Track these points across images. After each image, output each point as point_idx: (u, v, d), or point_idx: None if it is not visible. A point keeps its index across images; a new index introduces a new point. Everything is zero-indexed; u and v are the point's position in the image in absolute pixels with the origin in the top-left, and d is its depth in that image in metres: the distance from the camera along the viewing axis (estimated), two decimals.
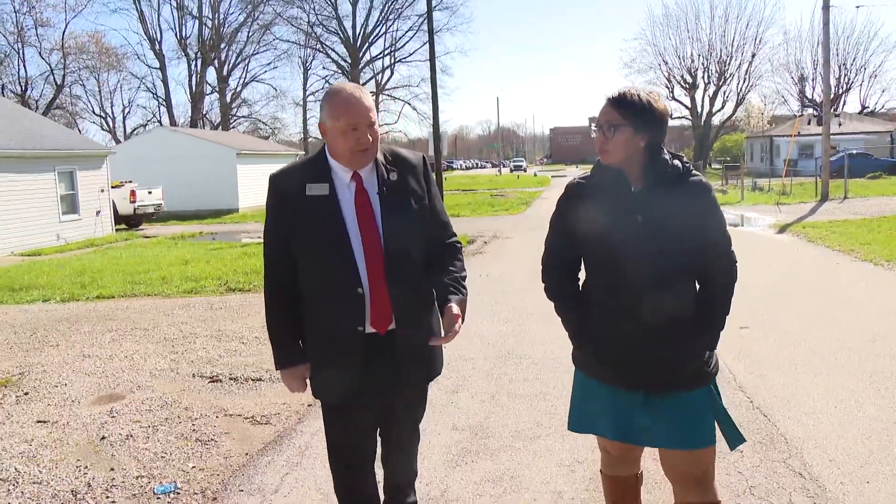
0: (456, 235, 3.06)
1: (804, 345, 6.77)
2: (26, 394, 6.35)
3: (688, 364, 2.72)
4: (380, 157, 2.84)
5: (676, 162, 2.73)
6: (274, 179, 2.86)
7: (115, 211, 25.60)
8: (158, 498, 4.24)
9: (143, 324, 9.20)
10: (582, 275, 2.91)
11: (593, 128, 2.74)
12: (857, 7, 70.28)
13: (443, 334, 2.81)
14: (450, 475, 4.33)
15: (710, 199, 2.73)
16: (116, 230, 25.29)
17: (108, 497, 4.26)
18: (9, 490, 4.38)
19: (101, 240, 22.50)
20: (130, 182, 27.51)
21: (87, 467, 4.68)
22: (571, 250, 2.87)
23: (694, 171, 2.74)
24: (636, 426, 2.76)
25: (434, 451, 4.65)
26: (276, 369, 2.95)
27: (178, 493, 4.27)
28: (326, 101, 2.75)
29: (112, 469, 4.65)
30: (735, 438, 2.80)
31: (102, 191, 24.42)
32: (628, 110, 2.64)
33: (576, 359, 2.97)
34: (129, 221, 26.93)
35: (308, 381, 2.95)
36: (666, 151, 2.74)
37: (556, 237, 2.92)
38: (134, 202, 26.57)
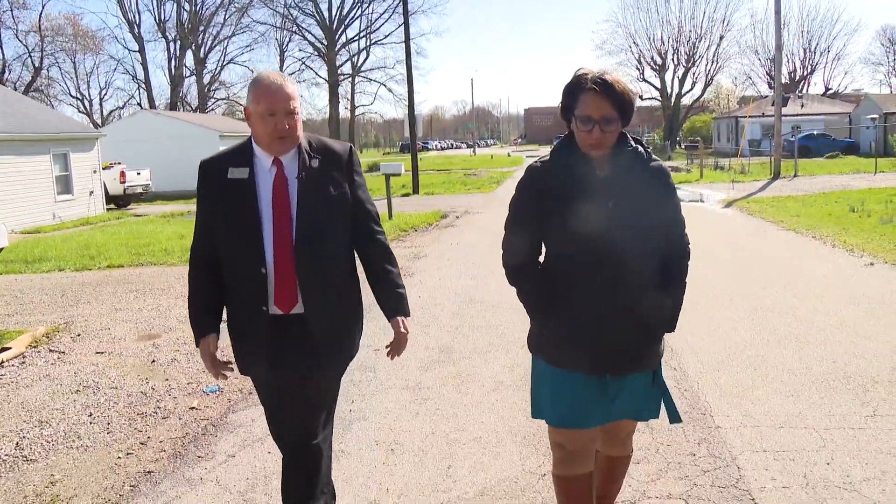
0: (382, 228, 3.10)
1: (710, 289, 8.37)
2: (79, 335, 7.81)
3: (652, 345, 2.78)
4: (304, 144, 2.90)
5: (640, 148, 2.75)
6: (203, 165, 2.96)
7: (106, 191, 26.81)
8: (208, 395, 5.73)
9: (158, 285, 10.63)
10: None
11: (578, 121, 2.65)
12: None
13: (390, 348, 3.07)
14: (423, 375, 5.89)
15: (670, 184, 2.77)
16: (107, 209, 26.51)
17: (170, 395, 5.76)
18: (94, 392, 5.87)
19: (94, 218, 23.74)
20: (120, 164, 28.67)
21: (147, 379, 6.17)
22: (535, 235, 2.80)
23: (654, 157, 2.79)
24: (598, 407, 2.79)
25: (410, 363, 6.19)
26: (196, 346, 3.06)
27: (222, 391, 5.78)
28: (251, 87, 2.82)
29: (167, 379, 6.14)
30: (674, 416, 2.93)
31: (94, 172, 25.65)
32: (618, 103, 2.60)
33: (535, 346, 2.92)
34: (118, 201, 28.09)
35: (231, 356, 3.09)
36: (629, 136, 2.76)
37: (519, 221, 2.84)
38: (124, 183, 27.76)
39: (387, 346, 3.08)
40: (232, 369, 3.03)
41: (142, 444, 4.82)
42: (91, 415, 5.36)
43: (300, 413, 3.01)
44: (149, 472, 4.39)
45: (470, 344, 6.74)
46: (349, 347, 3.05)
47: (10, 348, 7.08)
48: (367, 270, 3.08)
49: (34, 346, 7.38)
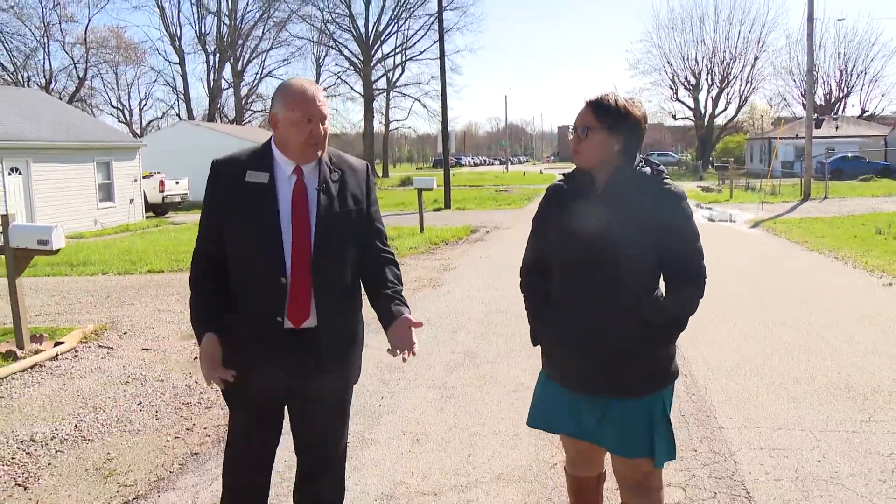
0: (390, 246, 3.04)
1: (727, 304, 8.67)
2: (125, 333, 8.30)
3: (628, 370, 2.70)
4: (324, 156, 2.83)
5: (646, 168, 2.72)
6: (216, 164, 2.84)
7: (145, 199, 27.64)
8: None
9: None
10: None
11: (570, 129, 2.77)
12: (839, 20, 72.23)
13: (397, 346, 2.78)
14: (448, 376, 6.27)
15: (678, 210, 2.68)
16: (146, 217, 27.31)
17: (214, 387, 6.17)
18: (142, 384, 6.32)
19: (134, 225, 24.54)
20: (159, 173, 29.52)
21: (190, 373, 6.61)
22: (542, 250, 2.90)
23: (666, 179, 2.71)
24: (586, 426, 2.81)
25: (437, 364, 6.58)
26: (199, 344, 2.81)
27: None
28: (281, 93, 2.73)
29: None
30: (667, 453, 2.81)
31: (135, 180, 26.47)
32: (603, 114, 2.66)
33: (543, 358, 3.00)
34: (156, 209, 28.94)
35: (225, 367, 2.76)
36: (640, 157, 2.74)
37: (533, 237, 2.96)
38: (163, 192, 28.63)
39: (393, 350, 2.79)
40: (232, 378, 2.71)
41: (188, 429, 5.25)
42: (140, 403, 5.81)
43: (310, 427, 2.96)
44: (195, 453, 4.81)
45: (494, 349, 7.11)
46: (351, 369, 2.95)
47: (63, 343, 7.58)
48: (376, 285, 2.92)
49: (85, 342, 7.87)
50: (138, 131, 61.70)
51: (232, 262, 2.79)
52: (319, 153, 2.77)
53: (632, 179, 2.68)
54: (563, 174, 2.90)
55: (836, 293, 9.46)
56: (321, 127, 2.72)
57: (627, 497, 2.91)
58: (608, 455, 2.96)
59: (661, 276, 2.77)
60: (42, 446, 4.95)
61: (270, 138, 2.84)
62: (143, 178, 27.59)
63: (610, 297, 2.66)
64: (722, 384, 5.78)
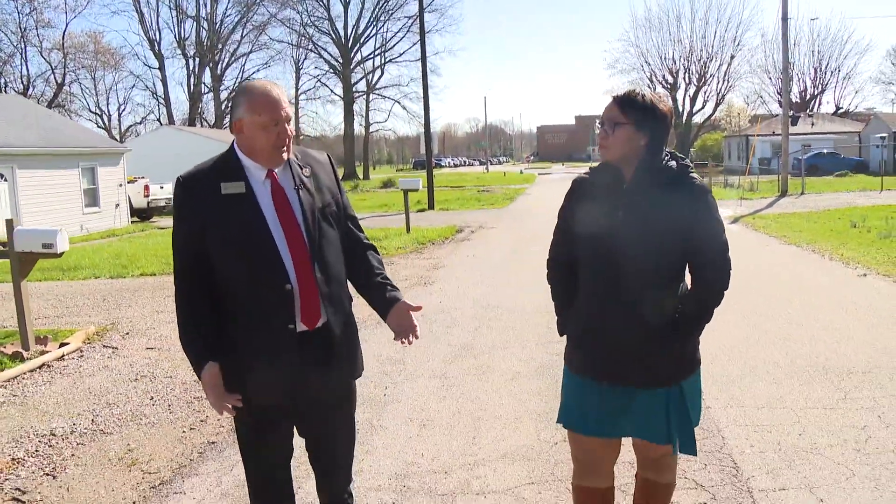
0: (364, 232, 3.04)
1: None
2: (128, 333, 8.52)
3: (653, 355, 2.75)
4: (290, 155, 2.78)
5: (672, 163, 2.74)
6: (183, 181, 2.73)
7: (130, 204, 27.73)
8: None
9: None
10: None
11: (597, 123, 2.80)
12: (813, 19, 73.54)
13: (402, 331, 2.88)
14: (447, 367, 6.55)
15: (703, 203, 2.72)
16: (131, 222, 27.39)
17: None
18: (151, 380, 6.56)
19: (120, 230, 24.61)
20: (143, 178, 29.59)
21: None
22: (568, 242, 2.94)
23: (692, 173, 2.74)
24: (608, 420, 2.85)
25: (436, 357, 6.86)
26: (198, 374, 2.70)
27: None
28: (245, 97, 2.65)
29: None
30: (683, 445, 2.88)
31: (120, 185, 26.56)
32: (630, 109, 2.69)
33: (565, 353, 3.02)
34: (141, 214, 29.00)
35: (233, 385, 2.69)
36: (666, 152, 2.76)
37: (558, 229, 3.00)
38: (147, 196, 28.69)
39: (397, 336, 2.90)
40: (239, 401, 2.67)
41: (202, 421, 5.49)
42: (152, 398, 6.04)
43: (319, 460, 3.01)
44: (212, 442, 5.06)
45: (489, 341, 7.41)
46: (359, 361, 2.97)
47: (68, 343, 7.79)
48: (363, 273, 2.96)
49: (89, 343, 8.08)
50: (117, 136, 61.41)
51: (224, 277, 2.68)
52: (288, 154, 2.73)
53: (657, 173, 2.71)
54: (590, 167, 2.94)
55: (813, 284, 9.84)
56: (287, 128, 2.68)
57: (643, 472, 3.06)
58: (616, 462, 3.04)
59: (687, 269, 2.84)
60: (63, 439, 5.19)
61: (232, 145, 2.76)
62: (128, 182, 27.67)
63: (632, 290, 2.71)
64: (706, 368, 5.99)
